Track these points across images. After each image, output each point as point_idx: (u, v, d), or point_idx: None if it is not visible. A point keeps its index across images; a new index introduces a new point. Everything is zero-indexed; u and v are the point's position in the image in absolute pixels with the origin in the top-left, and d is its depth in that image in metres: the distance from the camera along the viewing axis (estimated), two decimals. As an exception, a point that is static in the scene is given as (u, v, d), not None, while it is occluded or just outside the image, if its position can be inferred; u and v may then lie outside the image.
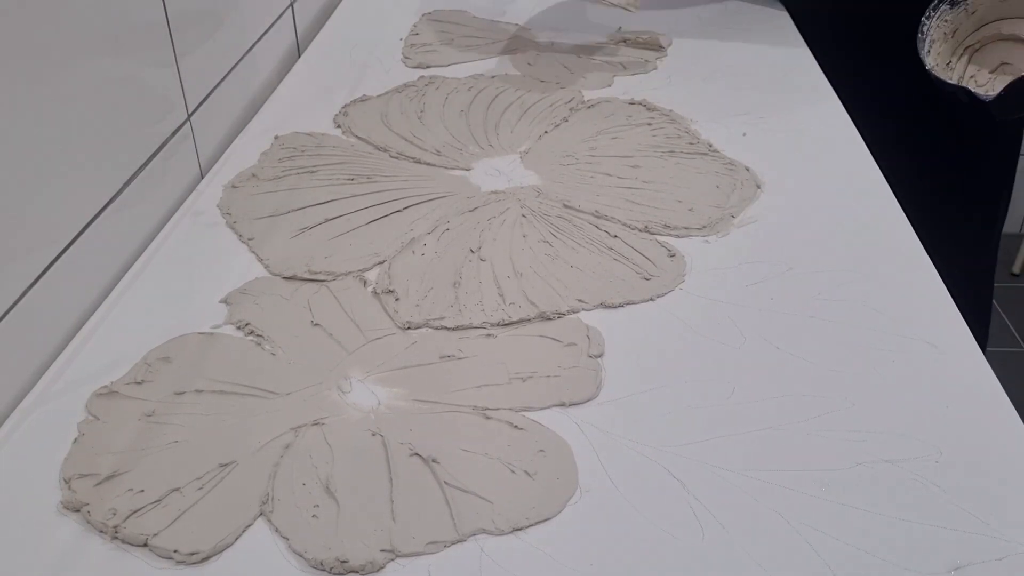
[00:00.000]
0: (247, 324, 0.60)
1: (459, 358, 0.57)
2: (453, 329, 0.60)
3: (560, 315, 0.60)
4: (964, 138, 0.98)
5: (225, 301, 0.63)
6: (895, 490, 0.47)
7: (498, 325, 0.60)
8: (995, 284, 1.79)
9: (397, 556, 0.45)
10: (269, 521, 0.47)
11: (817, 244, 0.67)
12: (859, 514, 0.46)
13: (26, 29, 0.56)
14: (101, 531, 0.46)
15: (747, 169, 0.76)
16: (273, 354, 0.58)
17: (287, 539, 0.46)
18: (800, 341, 0.58)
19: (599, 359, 0.57)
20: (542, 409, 0.53)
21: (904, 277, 0.64)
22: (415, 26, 1.10)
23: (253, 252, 0.68)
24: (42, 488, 0.49)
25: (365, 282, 0.64)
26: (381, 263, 0.66)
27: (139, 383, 0.55)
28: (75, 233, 0.62)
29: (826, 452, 0.50)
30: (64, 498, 0.48)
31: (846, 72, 0.94)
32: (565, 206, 0.72)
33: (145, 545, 0.45)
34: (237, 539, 0.46)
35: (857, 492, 0.47)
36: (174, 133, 0.75)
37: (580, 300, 0.62)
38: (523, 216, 0.71)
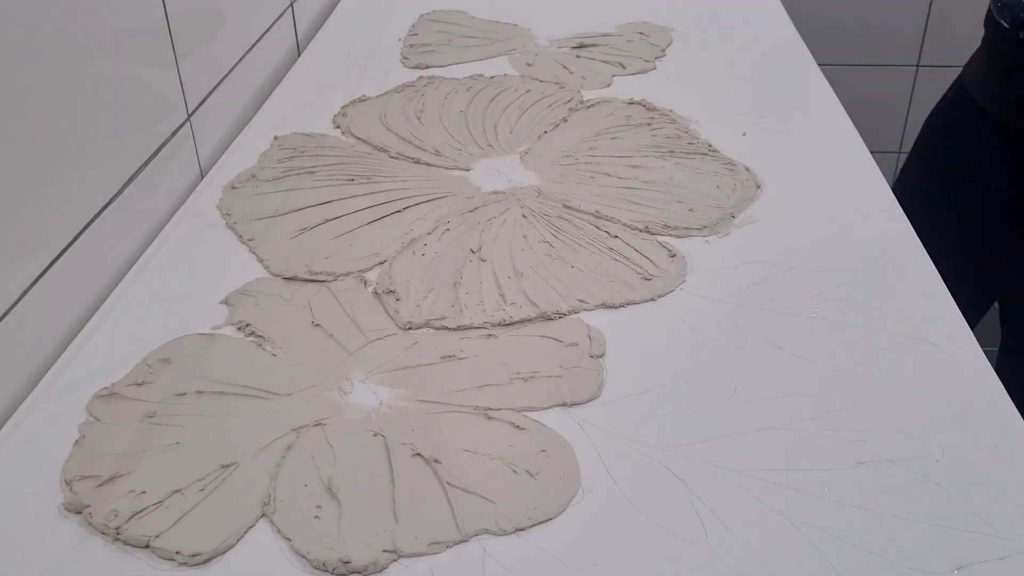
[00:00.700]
0: (248, 325, 0.60)
1: (460, 358, 0.57)
2: (454, 329, 0.60)
3: (561, 315, 0.60)
4: None
5: (225, 302, 0.62)
6: (897, 489, 0.47)
7: (499, 325, 0.60)
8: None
9: (400, 557, 0.45)
10: (271, 522, 0.47)
11: (817, 244, 0.67)
12: (861, 513, 0.46)
13: (26, 29, 0.56)
14: (103, 533, 0.46)
15: (747, 169, 0.76)
16: (274, 355, 0.58)
17: (289, 540, 0.45)
18: (801, 341, 0.58)
19: (601, 359, 0.57)
20: (544, 409, 0.53)
21: (904, 277, 0.64)
22: (414, 26, 1.10)
23: (253, 253, 0.68)
24: (43, 490, 0.49)
25: (366, 282, 0.64)
26: (381, 263, 0.66)
27: (140, 384, 0.55)
28: (75, 233, 0.62)
29: (828, 451, 0.50)
30: (65, 500, 0.48)
31: None
32: (565, 206, 0.72)
33: (147, 547, 0.45)
34: (239, 540, 0.46)
35: (859, 491, 0.47)
36: (174, 133, 0.75)
37: (581, 300, 0.62)
38: (523, 216, 0.71)
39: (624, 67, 0.97)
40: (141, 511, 0.47)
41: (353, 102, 0.90)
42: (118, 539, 0.46)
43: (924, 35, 1.67)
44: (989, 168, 0.90)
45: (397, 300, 0.62)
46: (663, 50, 1.00)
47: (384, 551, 0.45)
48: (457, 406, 0.53)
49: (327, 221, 0.71)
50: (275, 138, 0.83)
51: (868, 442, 0.50)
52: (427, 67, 0.99)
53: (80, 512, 0.47)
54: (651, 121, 0.85)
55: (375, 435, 0.51)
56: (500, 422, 0.52)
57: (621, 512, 0.47)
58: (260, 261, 0.67)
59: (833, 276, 0.64)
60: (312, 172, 0.77)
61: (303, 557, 0.45)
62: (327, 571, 0.44)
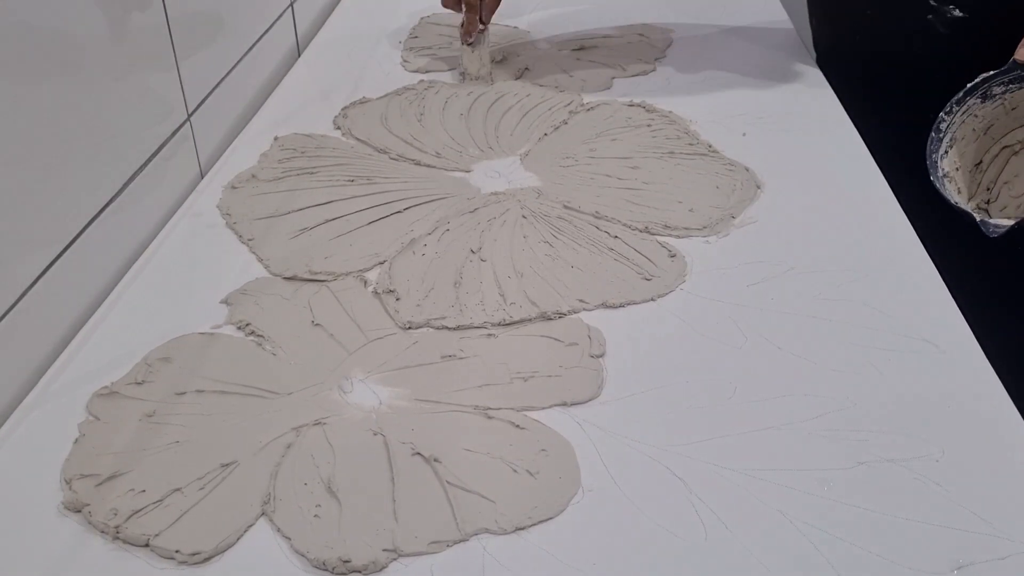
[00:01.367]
0: (248, 324, 0.60)
1: (460, 358, 0.57)
2: (454, 329, 0.60)
3: (561, 315, 0.60)
4: None
5: (225, 301, 0.62)
6: (897, 489, 0.47)
7: (499, 325, 0.60)
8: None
9: (400, 556, 0.45)
10: (271, 521, 0.47)
11: (817, 244, 0.67)
12: (861, 513, 0.46)
13: (26, 29, 0.56)
14: (102, 531, 0.46)
15: (747, 169, 0.76)
16: (274, 354, 0.58)
17: (289, 539, 0.45)
18: (801, 341, 0.58)
19: (601, 359, 0.57)
20: (544, 409, 0.53)
21: (904, 276, 0.64)
22: (414, 29, 1.10)
23: (253, 252, 0.68)
24: (43, 489, 0.49)
25: (366, 282, 0.64)
26: (381, 263, 0.66)
27: (140, 383, 0.55)
28: (75, 233, 0.62)
29: (828, 451, 0.50)
30: (65, 498, 0.48)
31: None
32: (565, 207, 0.72)
33: (147, 545, 0.45)
34: (239, 539, 0.46)
35: (859, 491, 0.47)
36: (174, 133, 0.75)
37: (581, 300, 0.62)
38: (523, 217, 0.71)
39: (624, 69, 0.97)
40: (141, 510, 0.47)
41: (354, 104, 0.90)
42: (118, 538, 0.46)
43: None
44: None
45: (397, 300, 0.62)
46: (663, 52, 1.00)
47: (384, 550, 0.45)
48: (457, 405, 0.53)
49: (327, 221, 0.71)
50: (275, 138, 0.83)
51: (868, 442, 0.50)
52: (427, 71, 0.98)
53: (80, 511, 0.47)
54: (651, 122, 0.85)
55: (375, 434, 0.51)
56: (500, 421, 0.52)
57: (621, 512, 0.47)
58: (260, 261, 0.67)
59: (833, 276, 0.64)
60: (312, 173, 0.77)
61: (303, 556, 0.45)
62: (327, 570, 0.44)
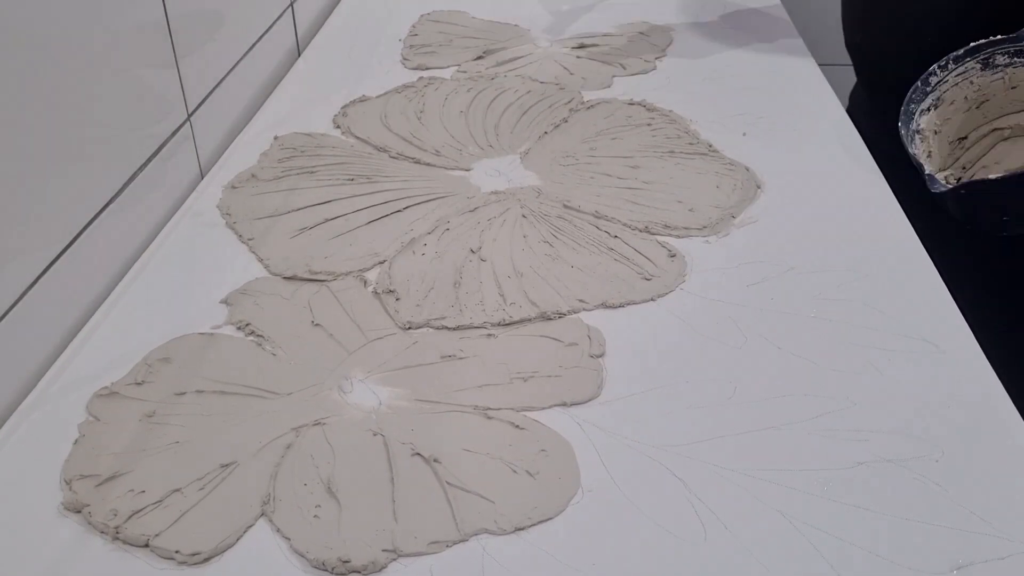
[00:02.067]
0: (247, 324, 0.60)
1: (460, 358, 0.57)
2: (454, 329, 0.60)
3: (561, 315, 0.60)
4: None
5: (225, 301, 0.62)
6: (897, 489, 0.47)
7: (499, 325, 0.60)
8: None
9: (399, 556, 0.45)
10: (271, 521, 0.47)
11: (817, 244, 0.67)
12: (861, 513, 0.46)
13: (26, 29, 0.56)
14: (102, 532, 0.46)
15: (747, 169, 0.76)
16: (274, 354, 0.58)
17: (289, 539, 0.45)
18: (801, 341, 0.58)
19: (600, 359, 0.57)
20: (543, 409, 0.53)
21: (904, 276, 0.64)
22: (414, 27, 1.10)
23: (253, 252, 0.68)
24: (43, 489, 0.49)
25: (365, 282, 0.64)
26: (381, 263, 0.66)
27: (139, 384, 0.55)
28: (75, 233, 0.62)
29: (828, 451, 0.50)
30: (65, 499, 0.48)
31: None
32: (565, 206, 0.72)
33: (146, 546, 0.45)
34: (238, 539, 0.46)
35: (859, 491, 0.47)
36: (174, 133, 0.75)
37: (581, 300, 0.62)
38: (523, 216, 0.71)
39: (624, 67, 0.97)
40: (140, 510, 0.47)
41: (353, 102, 0.90)
42: (117, 538, 0.46)
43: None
44: None
45: (397, 300, 0.62)
46: (663, 50, 1.00)
47: (383, 550, 0.45)
48: (457, 406, 0.53)
49: (327, 221, 0.71)
50: (275, 138, 0.83)
51: (868, 442, 0.50)
52: (427, 68, 0.99)
53: (80, 511, 0.47)
54: (651, 121, 0.85)
55: (375, 435, 0.51)
56: (500, 422, 0.52)
57: (621, 512, 0.47)
58: (260, 261, 0.67)
59: (833, 276, 0.63)
60: (312, 172, 0.77)
61: (302, 556, 0.45)
62: (326, 570, 0.44)
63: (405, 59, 1.01)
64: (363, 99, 0.91)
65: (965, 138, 0.64)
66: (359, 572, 0.44)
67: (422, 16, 1.13)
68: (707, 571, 0.44)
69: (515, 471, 0.49)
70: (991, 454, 0.49)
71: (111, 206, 0.66)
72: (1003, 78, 0.61)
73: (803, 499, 0.47)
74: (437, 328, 0.60)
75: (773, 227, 0.69)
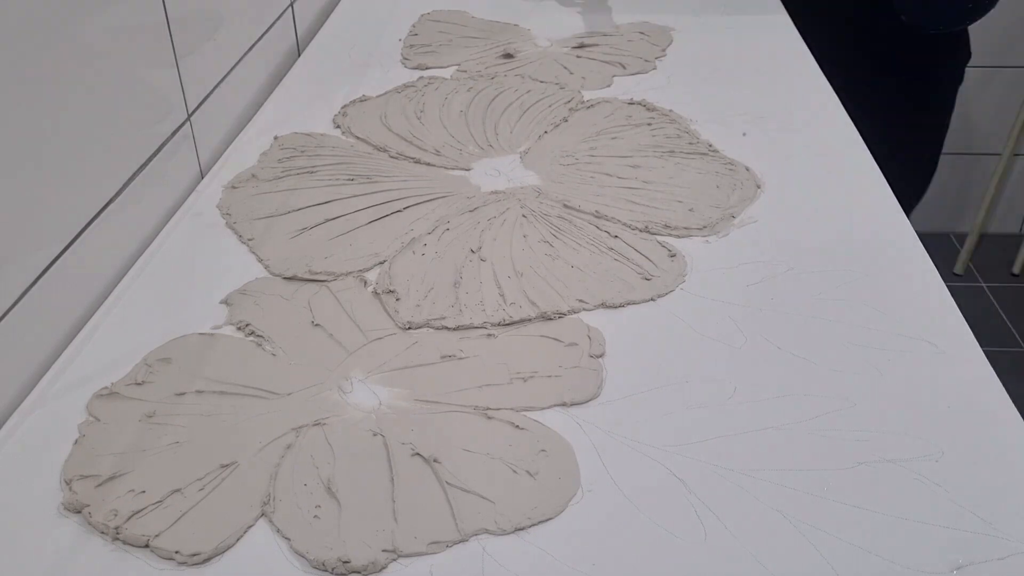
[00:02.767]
0: (247, 325, 0.60)
1: (460, 358, 0.57)
2: (454, 329, 0.60)
3: (561, 315, 0.60)
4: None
5: (225, 302, 0.62)
6: (897, 489, 0.47)
7: (499, 325, 0.60)
8: (995, 284, 1.80)
9: (399, 556, 0.45)
10: (271, 522, 0.47)
11: (817, 244, 0.67)
12: (861, 513, 0.46)
13: (26, 29, 0.56)
14: (102, 532, 0.46)
15: (747, 169, 0.76)
16: (274, 354, 0.58)
17: (289, 540, 0.45)
18: (801, 341, 0.58)
19: (600, 359, 0.57)
20: (543, 409, 0.53)
21: (904, 276, 0.64)
22: (414, 27, 1.10)
23: (253, 252, 0.68)
24: (43, 489, 0.49)
25: (365, 282, 0.64)
26: (381, 263, 0.66)
27: (139, 384, 0.55)
28: (75, 233, 0.62)
29: (828, 452, 0.50)
30: (65, 499, 0.48)
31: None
32: (565, 206, 0.72)
33: (146, 546, 0.45)
34: (238, 540, 0.46)
35: (859, 491, 0.47)
36: (174, 133, 0.75)
37: (581, 300, 0.62)
38: (523, 216, 0.71)
39: (624, 67, 0.97)
40: (141, 511, 0.47)
41: (353, 102, 0.90)
42: (117, 539, 0.46)
43: (924, 35, 1.66)
44: None
45: (397, 300, 0.62)
46: (663, 50, 1.00)
47: (383, 551, 0.45)
48: (457, 406, 0.53)
49: (327, 221, 0.71)
50: (275, 138, 0.83)
51: (868, 442, 0.50)
52: (427, 67, 0.99)
53: (80, 511, 0.47)
54: (651, 121, 0.85)
55: (375, 435, 0.51)
56: (500, 422, 0.52)
57: (621, 512, 0.47)
58: (260, 261, 0.67)
59: (833, 276, 0.64)
60: (312, 172, 0.77)
61: (302, 557, 0.45)
62: (326, 571, 0.44)
63: (405, 59, 1.01)
64: (363, 99, 0.91)
65: None
66: (359, 572, 0.44)
67: (422, 16, 1.13)
68: (707, 571, 0.44)
69: (515, 471, 0.49)
70: (991, 454, 0.49)
71: (111, 206, 0.66)
72: None
73: (803, 499, 0.47)
74: (437, 328, 0.60)
75: (773, 227, 0.69)
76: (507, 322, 0.60)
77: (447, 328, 0.60)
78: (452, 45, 1.04)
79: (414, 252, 0.67)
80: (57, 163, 0.59)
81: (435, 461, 0.49)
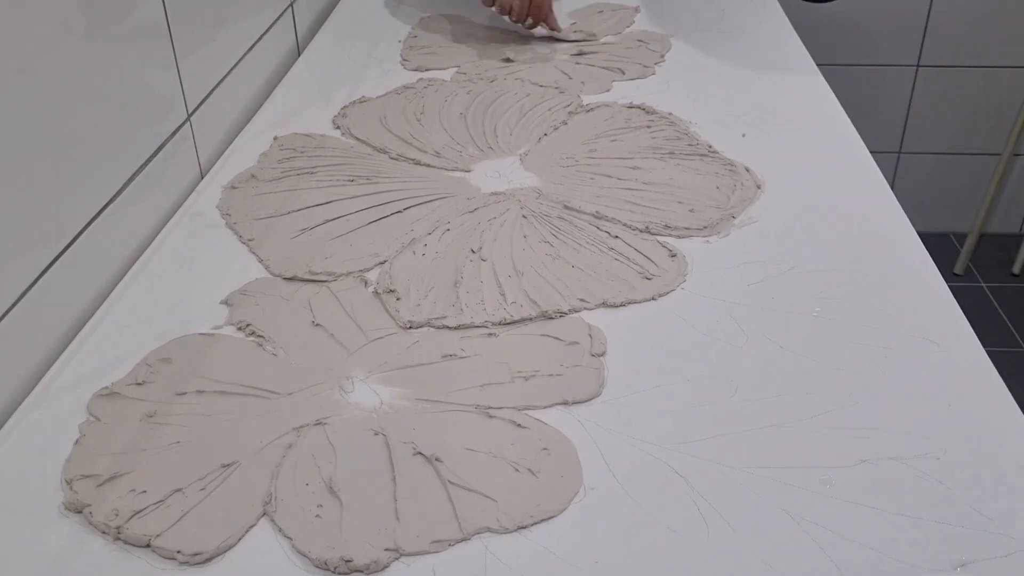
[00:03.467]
0: (248, 325, 0.60)
1: (461, 357, 0.57)
2: (455, 328, 0.59)
3: (562, 314, 0.60)
4: None
5: (226, 302, 0.62)
6: (900, 487, 0.47)
7: (500, 324, 0.60)
8: (995, 284, 1.80)
9: (402, 555, 0.44)
10: (272, 521, 0.46)
11: (817, 243, 0.67)
12: (864, 511, 0.46)
13: (26, 30, 0.56)
14: (103, 532, 0.46)
15: (747, 169, 0.76)
16: (274, 354, 0.57)
17: (291, 539, 0.45)
18: (802, 340, 0.58)
19: (602, 358, 0.57)
20: (545, 408, 0.53)
21: (905, 275, 0.64)
22: (413, 28, 1.10)
23: (253, 253, 0.68)
24: (44, 489, 0.49)
25: (366, 282, 0.64)
26: (382, 263, 0.66)
27: (140, 384, 0.55)
28: (75, 233, 0.62)
29: (830, 450, 0.50)
30: (66, 499, 0.48)
31: None
32: (565, 207, 0.72)
33: (148, 546, 0.45)
34: (240, 540, 0.46)
35: (862, 489, 0.47)
36: (174, 133, 0.75)
37: (582, 300, 0.62)
38: (523, 217, 0.71)
39: (623, 72, 0.97)
40: (142, 510, 0.47)
41: (353, 103, 0.90)
42: (119, 538, 0.46)
43: (924, 35, 1.67)
44: None
45: (397, 300, 0.62)
46: (662, 56, 1.00)
47: (386, 550, 0.44)
48: (458, 405, 0.53)
49: (327, 221, 0.71)
50: (275, 138, 0.83)
51: (870, 440, 0.50)
52: (427, 69, 0.99)
53: (81, 511, 0.47)
54: (650, 124, 0.85)
55: (376, 434, 0.51)
56: (501, 421, 0.52)
57: (623, 510, 0.47)
58: (260, 261, 0.67)
59: (834, 275, 0.64)
60: (312, 172, 0.77)
61: (305, 556, 0.45)
62: (329, 570, 0.44)
63: (404, 60, 1.01)
64: (363, 100, 0.91)
65: None
66: (362, 572, 0.44)
67: (421, 17, 1.13)
68: (710, 568, 0.44)
69: (517, 470, 0.49)
70: (993, 452, 0.49)
71: (111, 206, 0.65)
72: None
73: (807, 496, 0.47)
74: (438, 327, 0.60)
75: (773, 227, 0.69)
76: (508, 321, 0.60)
77: (448, 327, 0.60)
78: (452, 47, 1.04)
79: (414, 252, 0.67)
80: (57, 163, 0.59)
81: (437, 460, 0.49)
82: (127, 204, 0.67)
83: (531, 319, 0.60)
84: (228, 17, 0.86)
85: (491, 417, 0.52)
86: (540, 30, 1.05)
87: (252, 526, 0.46)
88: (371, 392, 0.54)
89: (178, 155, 0.75)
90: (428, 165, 0.79)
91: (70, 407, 0.54)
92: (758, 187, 0.74)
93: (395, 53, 1.03)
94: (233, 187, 0.76)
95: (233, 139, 0.84)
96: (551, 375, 0.55)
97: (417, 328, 0.60)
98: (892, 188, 0.75)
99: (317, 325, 0.60)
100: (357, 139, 0.83)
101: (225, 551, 0.45)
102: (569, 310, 0.61)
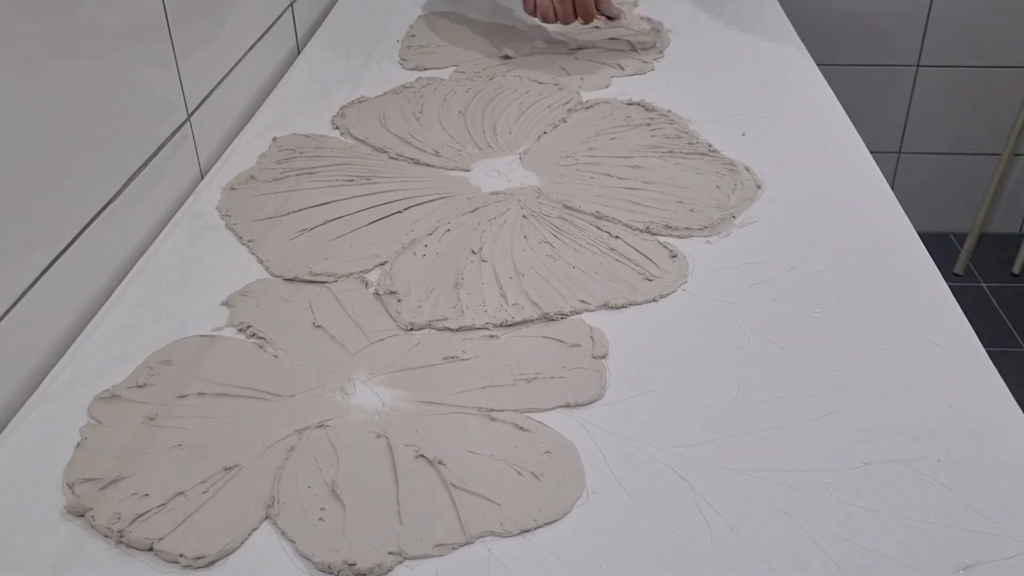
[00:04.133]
0: (249, 326, 0.60)
1: (463, 359, 0.57)
2: (456, 330, 0.59)
3: (563, 316, 0.60)
4: None
5: (226, 303, 0.62)
6: (902, 490, 0.47)
7: (501, 326, 0.60)
8: (995, 284, 1.80)
9: (405, 559, 0.44)
10: (275, 524, 0.46)
11: (818, 243, 0.67)
12: (866, 514, 0.46)
13: (26, 29, 0.56)
14: (105, 536, 0.46)
15: (747, 169, 0.76)
16: (275, 356, 0.57)
17: (294, 542, 0.45)
18: (803, 341, 0.58)
19: (603, 360, 0.57)
20: (547, 410, 0.53)
21: (905, 276, 0.64)
22: (412, 27, 1.10)
23: (253, 254, 0.67)
24: (45, 493, 0.48)
25: (367, 283, 0.64)
26: (382, 264, 0.66)
27: (141, 386, 0.55)
28: (75, 233, 0.61)
29: (832, 452, 0.50)
30: (67, 503, 0.47)
31: None
32: (566, 207, 0.72)
33: (150, 549, 0.45)
34: (243, 543, 0.46)
35: (864, 492, 0.47)
36: (174, 133, 0.74)
37: (583, 301, 0.62)
38: (524, 217, 0.71)
39: (622, 68, 0.97)
40: (144, 514, 0.47)
41: (352, 103, 0.90)
42: (121, 542, 0.45)
43: (924, 35, 1.67)
44: None
45: (398, 301, 0.62)
46: (662, 51, 1.00)
47: (389, 553, 0.44)
48: (460, 407, 0.53)
49: (327, 222, 0.70)
50: (274, 139, 0.83)
51: (873, 442, 0.50)
52: (425, 68, 0.98)
53: (82, 515, 0.47)
54: (650, 121, 0.85)
55: (378, 436, 0.51)
56: (503, 423, 0.52)
57: (626, 513, 0.47)
58: (260, 262, 0.66)
59: (834, 276, 0.63)
60: (312, 173, 0.77)
61: (308, 559, 0.45)
62: (332, 573, 0.44)
63: (403, 59, 1.01)
64: (362, 100, 0.90)
65: None
66: (365, 575, 0.44)
67: (420, 16, 1.13)
68: (713, 572, 0.44)
69: (520, 473, 0.49)
70: (996, 453, 0.49)
71: (111, 206, 0.65)
72: None
73: (809, 499, 0.47)
74: (439, 329, 0.60)
75: (774, 227, 0.69)
76: (509, 323, 0.60)
77: (449, 329, 0.59)
78: (450, 46, 1.04)
79: (415, 253, 0.67)
80: (57, 163, 0.59)
81: (439, 463, 0.49)
82: (127, 205, 0.67)
83: (532, 321, 0.60)
84: (228, 17, 0.85)
85: (493, 420, 0.52)
86: (598, 23, 1.02)
87: (255, 529, 0.46)
88: (373, 394, 0.54)
89: (178, 155, 0.75)
90: (428, 164, 0.79)
91: (70, 410, 0.54)
92: (758, 187, 0.74)
93: (393, 53, 1.03)
94: (232, 188, 0.76)
95: (233, 139, 0.84)
96: (553, 377, 0.55)
97: (418, 330, 0.60)
98: (892, 188, 0.75)
99: (318, 327, 0.60)
100: (356, 139, 0.83)
101: (228, 555, 0.45)
102: (571, 312, 0.61)
